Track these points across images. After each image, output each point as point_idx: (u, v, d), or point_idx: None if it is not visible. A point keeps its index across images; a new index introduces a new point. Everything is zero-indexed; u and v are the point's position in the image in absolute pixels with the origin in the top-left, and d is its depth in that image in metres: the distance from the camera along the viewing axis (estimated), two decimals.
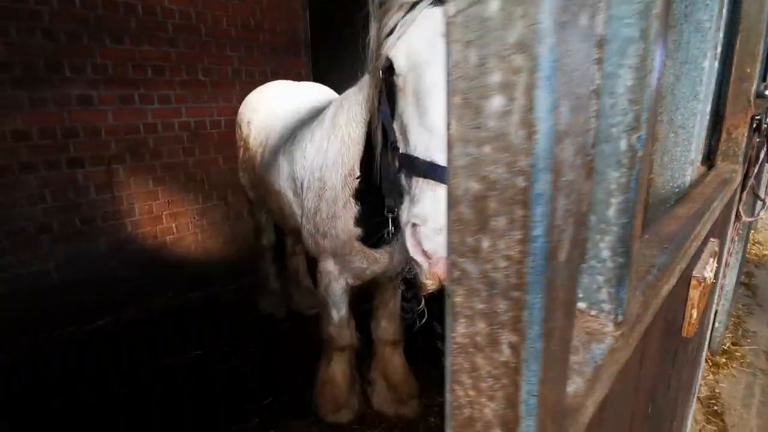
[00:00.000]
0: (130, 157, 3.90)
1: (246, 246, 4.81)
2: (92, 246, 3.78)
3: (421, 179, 1.19)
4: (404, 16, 1.30)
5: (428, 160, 1.17)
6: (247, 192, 3.51)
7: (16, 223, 3.37)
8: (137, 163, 3.95)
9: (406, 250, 1.25)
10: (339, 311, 2.47)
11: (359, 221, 2.04)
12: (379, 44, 1.37)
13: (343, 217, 2.07)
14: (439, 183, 1.14)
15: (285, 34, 4.76)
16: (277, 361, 3.27)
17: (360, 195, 1.99)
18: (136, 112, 3.86)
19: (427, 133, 1.21)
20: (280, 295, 3.90)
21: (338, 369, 2.63)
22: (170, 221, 4.25)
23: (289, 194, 2.53)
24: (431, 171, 1.16)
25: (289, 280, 3.97)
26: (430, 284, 1.20)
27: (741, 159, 1.40)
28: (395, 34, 1.31)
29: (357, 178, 1.97)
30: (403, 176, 1.32)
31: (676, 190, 1.26)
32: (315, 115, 2.58)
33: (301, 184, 2.35)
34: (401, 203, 1.35)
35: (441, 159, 1.15)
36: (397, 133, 1.37)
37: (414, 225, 1.16)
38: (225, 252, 4.69)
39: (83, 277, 3.73)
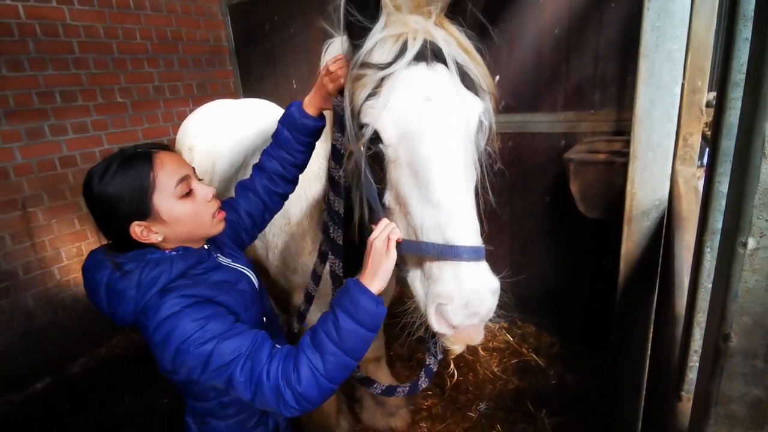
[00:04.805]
0: (49, 197, 3.46)
1: None
2: (16, 302, 3.34)
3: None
4: (382, 79, 1.19)
5: (441, 242, 1.09)
6: None
7: None
8: (57, 202, 3.52)
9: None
10: None
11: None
12: (357, 109, 1.25)
13: (313, 252, 2.00)
14: (457, 261, 1.07)
15: (206, 43, 4.45)
16: None
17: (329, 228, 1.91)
18: (48, 145, 3.42)
19: (433, 209, 1.12)
20: None
21: None
22: None
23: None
24: (449, 253, 1.08)
25: None
26: (458, 349, 1.18)
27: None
28: (379, 103, 1.18)
29: (324, 211, 1.90)
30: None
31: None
32: (265, 140, 2.44)
33: None
34: (406, 271, 1.25)
35: (454, 237, 1.08)
36: (392, 204, 1.26)
37: (440, 304, 1.09)
38: None
39: (9, 337, 3.30)
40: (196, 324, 1.10)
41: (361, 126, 1.22)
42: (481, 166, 1.30)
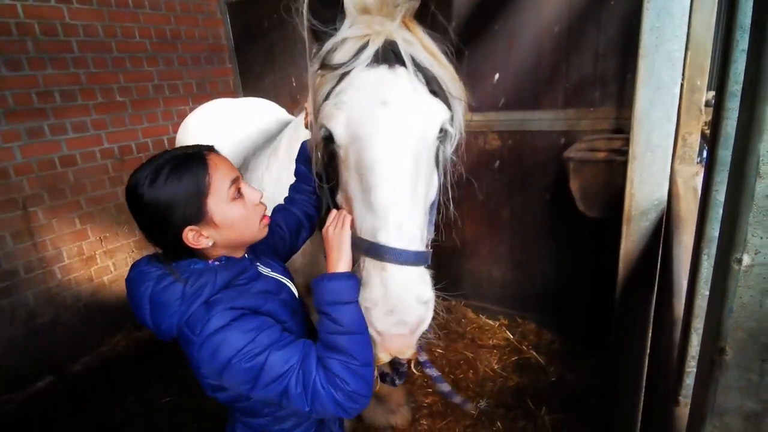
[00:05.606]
0: (49, 196, 3.47)
1: None
2: (18, 301, 3.36)
3: (366, 258, 1.12)
4: (339, 80, 1.18)
5: (371, 240, 1.10)
6: None
7: None
8: (58, 201, 3.52)
9: None
10: None
11: None
12: (317, 109, 1.25)
13: (312, 252, 2.00)
14: (383, 263, 1.08)
15: (205, 41, 4.43)
16: None
17: None
18: (47, 144, 3.42)
19: (370, 213, 1.12)
20: None
21: None
22: (106, 260, 3.87)
23: None
24: (373, 251, 1.09)
25: None
26: (383, 357, 1.16)
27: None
28: (332, 103, 1.18)
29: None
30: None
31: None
32: (266, 140, 2.45)
33: None
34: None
35: (382, 237, 1.08)
36: (343, 204, 1.27)
37: (366, 307, 1.11)
38: None
39: (11, 336, 3.32)
40: (247, 336, 1.06)
41: (320, 126, 1.22)
42: (445, 175, 1.28)
